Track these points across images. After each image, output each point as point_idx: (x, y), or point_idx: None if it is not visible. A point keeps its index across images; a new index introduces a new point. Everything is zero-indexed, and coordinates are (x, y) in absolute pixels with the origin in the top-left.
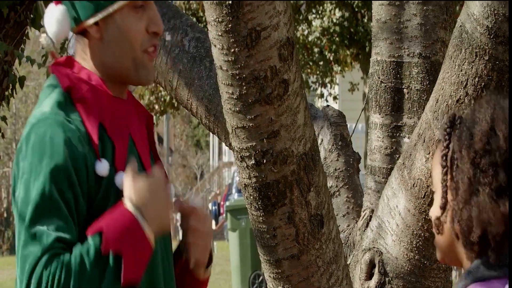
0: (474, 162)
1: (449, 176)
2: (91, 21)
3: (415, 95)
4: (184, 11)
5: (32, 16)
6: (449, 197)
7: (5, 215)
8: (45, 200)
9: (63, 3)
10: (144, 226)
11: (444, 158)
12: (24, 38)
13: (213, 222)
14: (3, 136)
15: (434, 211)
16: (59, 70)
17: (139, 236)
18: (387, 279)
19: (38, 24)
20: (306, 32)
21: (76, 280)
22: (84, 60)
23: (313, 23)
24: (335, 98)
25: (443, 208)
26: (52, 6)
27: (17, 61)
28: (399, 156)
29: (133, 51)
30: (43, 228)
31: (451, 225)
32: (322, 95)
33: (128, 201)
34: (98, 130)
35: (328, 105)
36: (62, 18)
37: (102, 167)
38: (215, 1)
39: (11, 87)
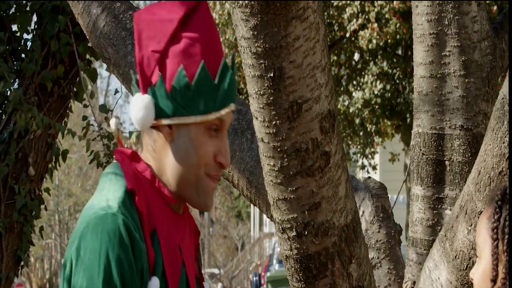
0: None
1: (500, 249)
2: (166, 121)
3: (456, 167)
4: None
5: (75, 89)
6: (500, 271)
7: (47, 286)
8: None
9: (148, 93)
10: None
11: (495, 230)
12: (67, 111)
13: None
14: (46, 208)
15: (479, 279)
16: (125, 163)
17: None
18: None
19: (81, 97)
20: (347, 103)
21: None
22: (151, 157)
23: (354, 95)
24: (374, 168)
25: (494, 281)
26: (138, 95)
27: (60, 134)
28: (440, 228)
29: (198, 168)
30: None
31: None
32: (363, 167)
33: None
34: (152, 240)
35: (369, 177)
36: (148, 108)
37: (154, 286)
38: (257, 74)
39: (54, 160)
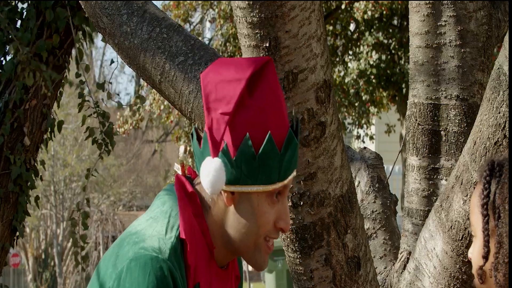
0: None
1: (491, 224)
2: (230, 188)
3: (452, 137)
4: (221, 54)
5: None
6: (492, 246)
7: (43, 256)
8: None
9: (220, 157)
10: None
11: (485, 207)
12: (63, 81)
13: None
14: (41, 179)
15: (475, 258)
16: (184, 203)
17: None
18: None
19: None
20: (342, 74)
21: None
22: (207, 212)
23: (350, 65)
24: (371, 138)
25: (486, 257)
26: (210, 159)
27: (55, 104)
28: (436, 198)
29: (257, 235)
30: None
31: (495, 275)
32: (358, 137)
33: None
34: None
35: (365, 147)
36: (219, 171)
37: None
38: (252, 44)
39: (49, 130)
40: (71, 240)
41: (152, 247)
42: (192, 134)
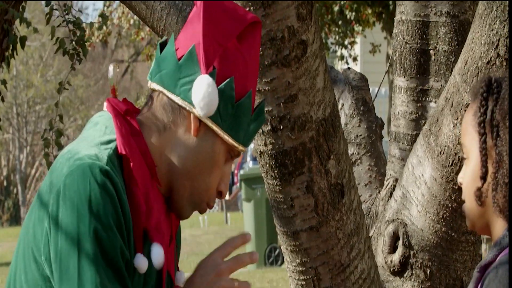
0: None
1: (488, 144)
2: (202, 115)
3: (442, 57)
4: None
5: None
6: (490, 167)
7: (5, 183)
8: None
9: (211, 76)
10: None
11: (482, 125)
12: None
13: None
14: (3, 100)
15: (469, 180)
16: (119, 120)
17: None
18: (412, 252)
19: None
20: None
21: None
22: (155, 134)
23: None
24: (355, 59)
25: (484, 178)
26: (205, 76)
27: (18, 21)
28: (425, 122)
29: (201, 180)
30: None
31: (494, 197)
32: (342, 57)
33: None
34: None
35: (349, 68)
36: (211, 91)
37: (143, 263)
38: None
39: (11, 48)
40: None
41: (87, 155)
42: (161, 43)
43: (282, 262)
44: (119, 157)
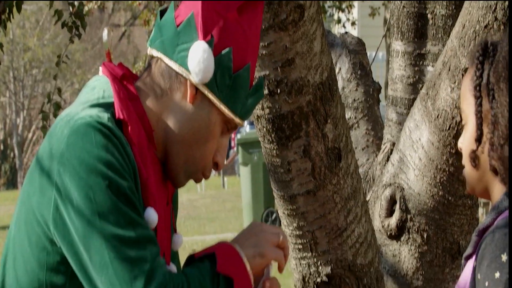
0: None
1: (484, 107)
2: (199, 85)
3: (440, 21)
4: None
5: None
6: (486, 129)
7: (1, 147)
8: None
9: (208, 43)
10: (247, 264)
11: (478, 88)
12: None
13: None
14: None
15: (467, 144)
16: (116, 85)
17: (242, 271)
18: (408, 216)
19: None
20: None
21: None
22: (152, 101)
23: None
24: (353, 24)
25: (479, 140)
26: (202, 42)
27: None
28: (422, 86)
29: (196, 149)
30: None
31: (489, 159)
32: (339, 21)
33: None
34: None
35: (346, 32)
36: (207, 57)
37: (152, 216)
38: None
39: (7, 11)
40: (32, 129)
41: (88, 115)
42: (161, 11)
43: (279, 226)
44: (118, 121)
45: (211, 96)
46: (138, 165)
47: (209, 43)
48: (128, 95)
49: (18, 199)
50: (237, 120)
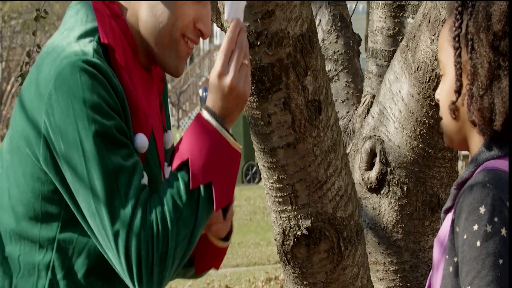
0: (494, 45)
1: (463, 58)
2: None
3: None
4: None
5: None
6: (465, 80)
7: None
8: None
9: None
10: (229, 138)
11: (457, 39)
12: None
13: None
14: None
15: (445, 95)
16: (100, 6)
17: (226, 151)
18: (389, 169)
19: None
20: None
21: (174, 227)
22: (125, 8)
23: None
24: None
25: (458, 92)
26: None
27: None
28: (402, 38)
29: (173, 28)
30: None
31: (469, 110)
32: None
33: (210, 113)
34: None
35: None
36: None
37: (142, 142)
38: None
39: None
40: (11, 82)
41: (73, 52)
42: None
43: (260, 179)
44: (104, 46)
45: None
46: (126, 90)
47: None
48: (111, 13)
49: (10, 126)
50: None
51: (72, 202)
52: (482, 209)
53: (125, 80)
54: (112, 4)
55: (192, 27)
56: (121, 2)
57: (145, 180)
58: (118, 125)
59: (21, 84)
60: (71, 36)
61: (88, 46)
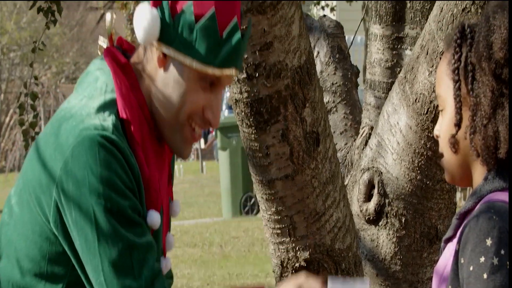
0: (496, 73)
1: (463, 91)
2: (163, 48)
3: (417, 4)
4: None
5: None
6: (465, 113)
7: None
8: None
9: (158, 10)
10: None
11: (456, 72)
12: None
13: (202, 141)
14: None
15: (445, 129)
16: (119, 76)
17: None
18: (387, 200)
19: None
20: None
21: None
22: (142, 80)
23: None
24: (332, 9)
25: (458, 125)
26: (147, 5)
27: None
28: (400, 70)
29: (180, 112)
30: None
31: (471, 139)
32: (318, 2)
33: None
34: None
35: (324, 15)
36: (153, 23)
37: (155, 219)
38: None
39: None
40: (9, 114)
41: (93, 125)
42: None
43: (258, 211)
44: (122, 119)
45: (174, 53)
46: (141, 168)
47: (160, 8)
48: (130, 84)
49: (19, 176)
50: (212, 71)
51: (79, 267)
52: (488, 241)
53: (140, 157)
54: (130, 71)
55: (201, 114)
56: (137, 67)
57: (161, 265)
58: (133, 205)
59: (20, 114)
60: (90, 106)
61: (107, 121)
